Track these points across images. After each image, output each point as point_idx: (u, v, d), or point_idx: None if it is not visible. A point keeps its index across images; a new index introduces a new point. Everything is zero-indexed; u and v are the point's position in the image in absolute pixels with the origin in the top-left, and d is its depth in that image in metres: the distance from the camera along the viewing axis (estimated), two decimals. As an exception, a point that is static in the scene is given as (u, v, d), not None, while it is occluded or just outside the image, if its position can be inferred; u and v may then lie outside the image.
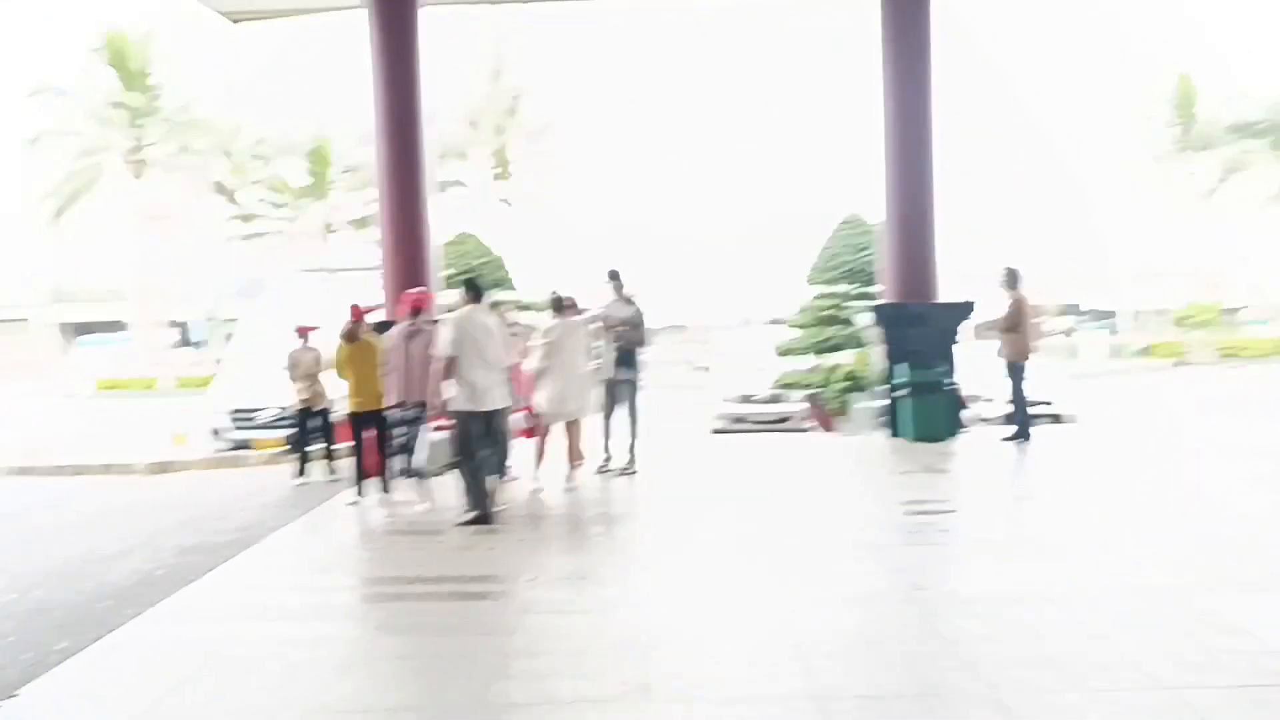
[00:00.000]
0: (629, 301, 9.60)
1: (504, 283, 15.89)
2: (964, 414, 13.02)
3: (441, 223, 18.85)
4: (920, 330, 11.32)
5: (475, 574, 6.15)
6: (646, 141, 50.05)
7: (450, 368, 6.97)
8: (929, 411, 10.99)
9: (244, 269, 42.88)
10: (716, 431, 17.17)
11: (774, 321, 20.84)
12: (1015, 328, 10.72)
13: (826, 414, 14.56)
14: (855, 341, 14.72)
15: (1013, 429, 10.88)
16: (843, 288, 15.07)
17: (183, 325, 45.60)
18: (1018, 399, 10.87)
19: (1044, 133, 45.54)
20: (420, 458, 7.65)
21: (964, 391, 12.74)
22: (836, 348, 14.98)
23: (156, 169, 39.81)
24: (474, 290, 7.37)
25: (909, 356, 11.18)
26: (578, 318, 9.30)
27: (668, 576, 5.93)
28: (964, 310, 11.53)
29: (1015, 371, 10.82)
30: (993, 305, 11.26)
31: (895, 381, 11.20)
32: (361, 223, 39.52)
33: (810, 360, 15.46)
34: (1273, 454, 9.60)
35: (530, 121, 42.71)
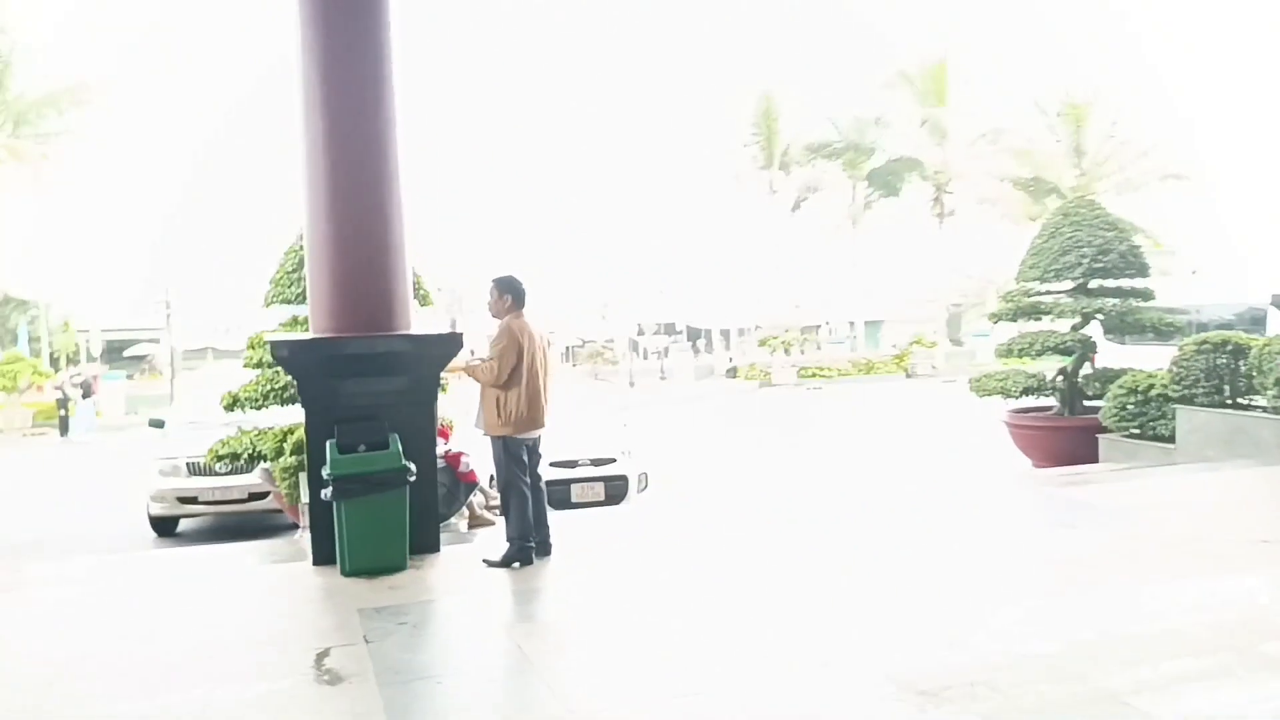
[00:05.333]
0: None
1: None
2: (476, 500, 8.79)
3: None
4: (367, 381, 6.76)
5: None
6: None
7: None
8: (375, 523, 6.38)
9: None
10: (156, 520, 11.72)
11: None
12: (508, 381, 6.43)
13: (285, 498, 9.65)
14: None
15: (509, 543, 6.58)
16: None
17: None
18: (507, 499, 6.59)
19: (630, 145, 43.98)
20: None
21: (473, 465, 8.54)
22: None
23: None
24: None
25: (347, 428, 6.57)
26: None
27: None
28: (447, 345, 7.11)
29: (506, 452, 6.54)
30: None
31: (325, 472, 6.50)
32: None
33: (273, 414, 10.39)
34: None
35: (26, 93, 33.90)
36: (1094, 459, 11.74)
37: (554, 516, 9.52)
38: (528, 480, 6.58)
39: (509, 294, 6.59)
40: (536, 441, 6.70)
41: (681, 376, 36.82)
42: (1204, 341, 11.06)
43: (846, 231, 40.37)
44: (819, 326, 45.86)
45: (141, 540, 11.47)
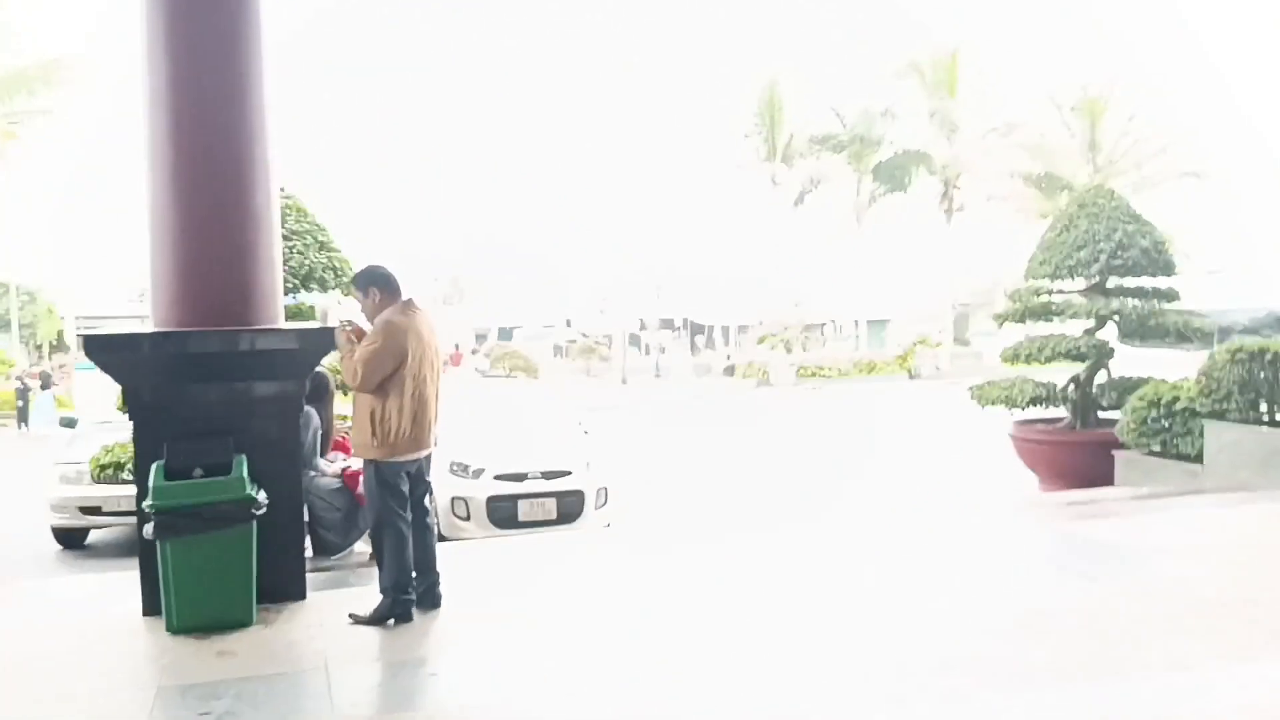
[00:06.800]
0: None
1: None
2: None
3: None
4: (213, 388, 5.44)
5: None
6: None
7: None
8: (209, 568, 5.07)
9: None
10: (59, 532, 10.55)
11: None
12: (385, 389, 5.10)
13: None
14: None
15: (381, 598, 5.24)
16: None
17: None
18: (380, 539, 5.27)
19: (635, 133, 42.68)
20: None
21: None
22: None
23: None
24: None
25: (180, 447, 5.26)
26: None
27: None
28: (318, 343, 5.77)
29: (379, 479, 5.21)
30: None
31: (145, 503, 5.19)
32: None
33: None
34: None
35: None
36: (1109, 478, 10.41)
37: (469, 546, 8.31)
38: (407, 515, 5.25)
39: (374, 286, 5.26)
40: (422, 465, 5.37)
41: (678, 374, 35.54)
42: (1239, 349, 9.68)
43: (851, 227, 38.90)
44: (823, 325, 44.48)
45: (45, 554, 10.32)
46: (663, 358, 38.76)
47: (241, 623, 5.13)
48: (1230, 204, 37.35)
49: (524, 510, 9.64)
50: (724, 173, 39.81)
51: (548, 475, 9.79)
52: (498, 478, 9.68)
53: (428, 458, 5.38)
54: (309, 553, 7.39)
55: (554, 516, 9.69)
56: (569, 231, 44.16)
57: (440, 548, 7.07)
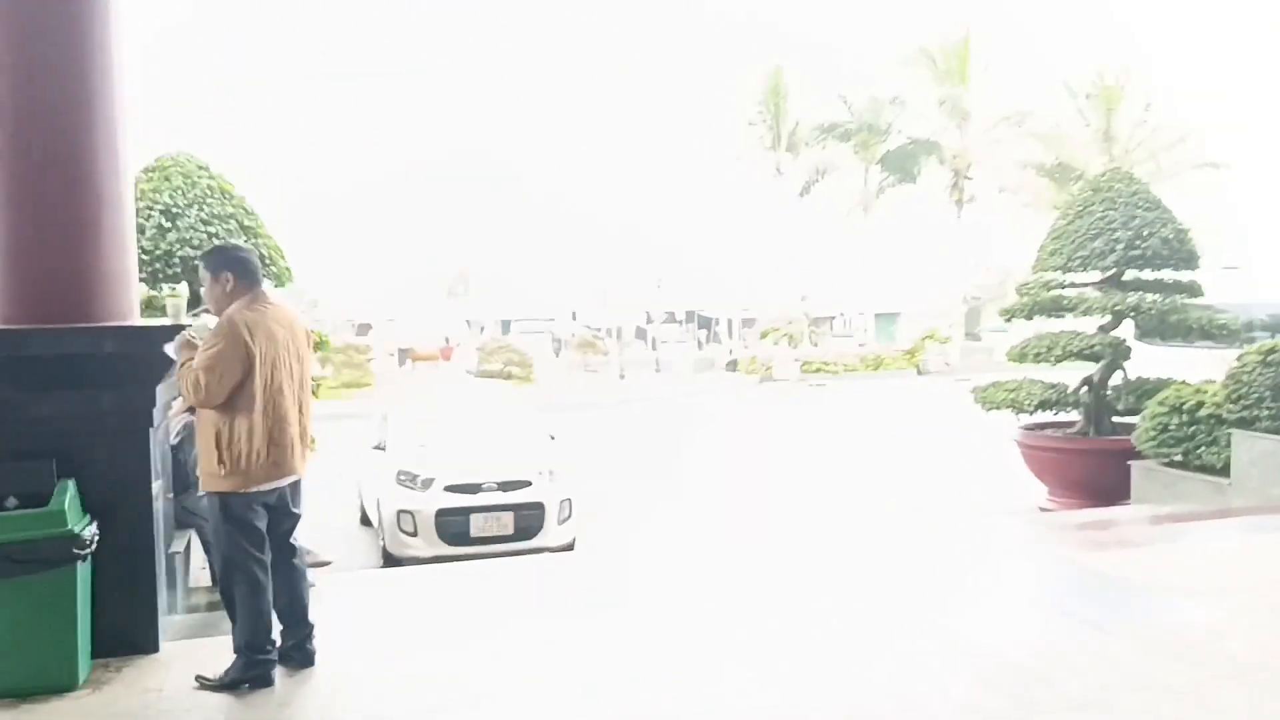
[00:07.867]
0: None
1: None
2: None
3: None
4: (36, 399, 4.51)
5: None
6: None
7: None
8: (22, 621, 4.16)
9: None
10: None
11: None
12: (233, 404, 4.15)
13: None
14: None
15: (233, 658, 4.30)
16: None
17: None
18: (230, 587, 4.32)
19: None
20: None
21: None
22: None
23: None
24: None
25: (-8, 471, 4.34)
26: None
27: None
28: (165, 344, 4.82)
29: (227, 514, 4.26)
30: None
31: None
32: None
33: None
34: None
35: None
36: (1125, 490, 9.43)
37: (376, 577, 7.40)
38: (265, 557, 4.31)
39: (228, 271, 4.31)
40: (285, 495, 4.42)
41: (679, 369, 34.51)
42: (1271, 350, 8.68)
43: (858, 218, 37.83)
44: (831, 319, 43.46)
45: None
46: (663, 352, 37.78)
47: (64, 686, 4.21)
48: (1246, 198, 36.16)
49: (477, 525, 8.78)
50: (728, 163, 38.80)
51: (504, 486, 8.92)
52: (449, 489, 8.82)
53: (295, 485, 4.43)
54: (206, 581, 6.51)
55: (511, 532, 8.83)
56: (576, 225, 43.25)
57: (336, 579, 6.20)
